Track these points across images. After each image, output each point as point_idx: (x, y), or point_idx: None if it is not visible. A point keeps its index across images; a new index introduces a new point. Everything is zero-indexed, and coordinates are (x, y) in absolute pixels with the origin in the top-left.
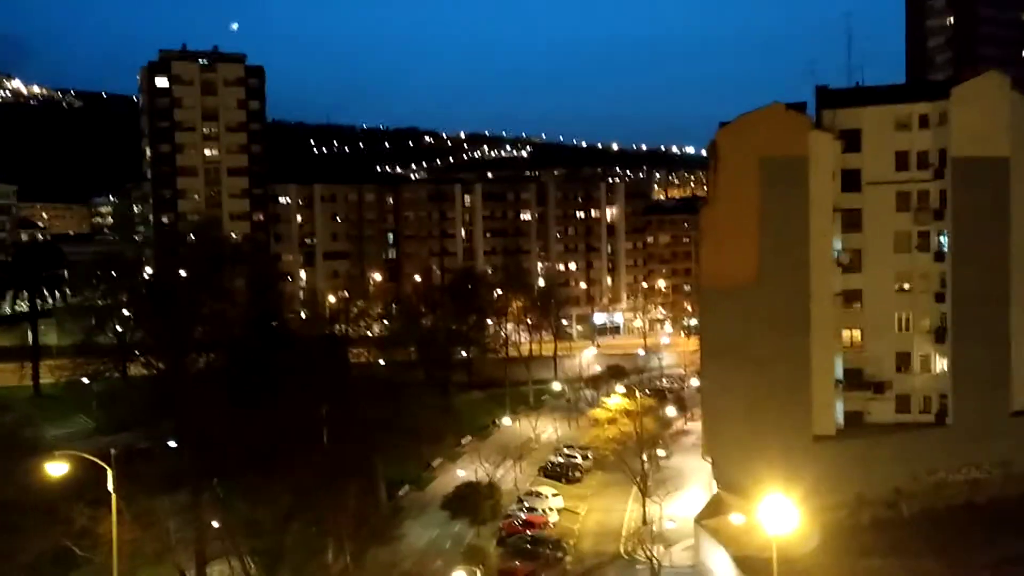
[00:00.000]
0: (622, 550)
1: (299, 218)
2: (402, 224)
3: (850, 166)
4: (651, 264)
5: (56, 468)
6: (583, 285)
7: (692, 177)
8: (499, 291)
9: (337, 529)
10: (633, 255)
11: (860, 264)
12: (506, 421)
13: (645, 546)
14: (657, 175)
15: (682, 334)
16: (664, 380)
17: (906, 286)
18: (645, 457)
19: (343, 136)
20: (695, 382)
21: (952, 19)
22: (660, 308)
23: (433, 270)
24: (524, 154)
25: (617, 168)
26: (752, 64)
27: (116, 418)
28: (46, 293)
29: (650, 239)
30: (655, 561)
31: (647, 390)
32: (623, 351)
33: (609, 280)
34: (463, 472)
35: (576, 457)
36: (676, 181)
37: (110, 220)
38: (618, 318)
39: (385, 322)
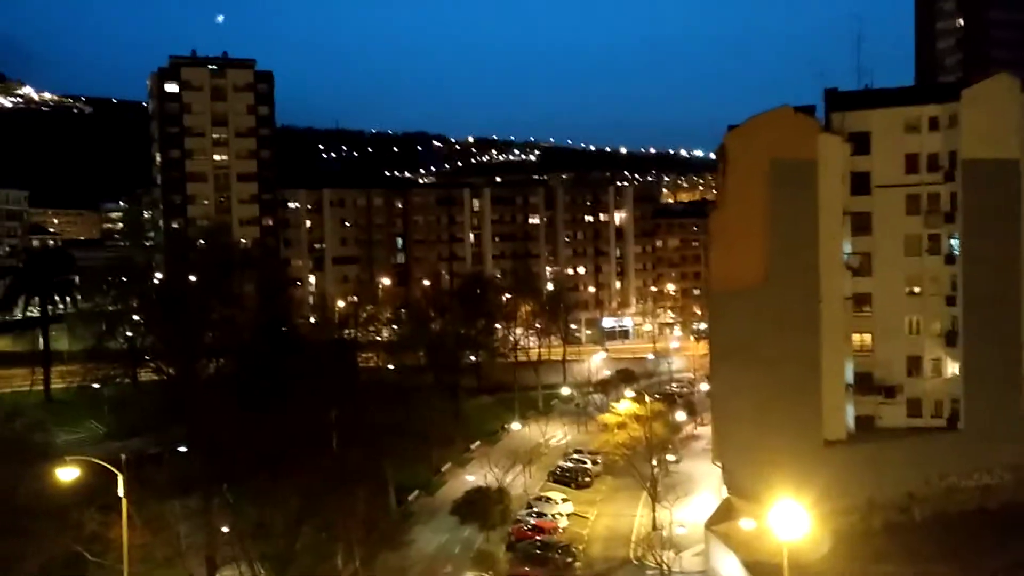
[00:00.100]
0: (632, 555)
1: (308, 223)
2: (411, 229)
3: (859, 169)
4: (660, 268)
5: (67, 473)
6: (592, 289)
7: (701, 180)
8: (508, 295)
9: (347, 534)
10: (642, 259)
11: (870, 267)
12: (515, 426)
13: (655, 551)
14: (666, 178)
15: (692, 338)
16: (674, 384)
17: (916, 289)
18: (655, 462)
19: (352, 141)
20: (705, 386)
21: (962, 21)
22: (669, 312)
23: (442, 274)
24: (532, 158)
25: (626, 172)
26: (761, 66)
27: (126, 423)
28: (57, 299)
29: (659, 243)
30: (665, 566)
31: (657, 394)
32: (632, 355)
33: (618, 284)
34: (472, 477)
35: (586, 462)
36: (685, 184)
37: (120, 226)
38: (627, 322)
39: (394, 326)
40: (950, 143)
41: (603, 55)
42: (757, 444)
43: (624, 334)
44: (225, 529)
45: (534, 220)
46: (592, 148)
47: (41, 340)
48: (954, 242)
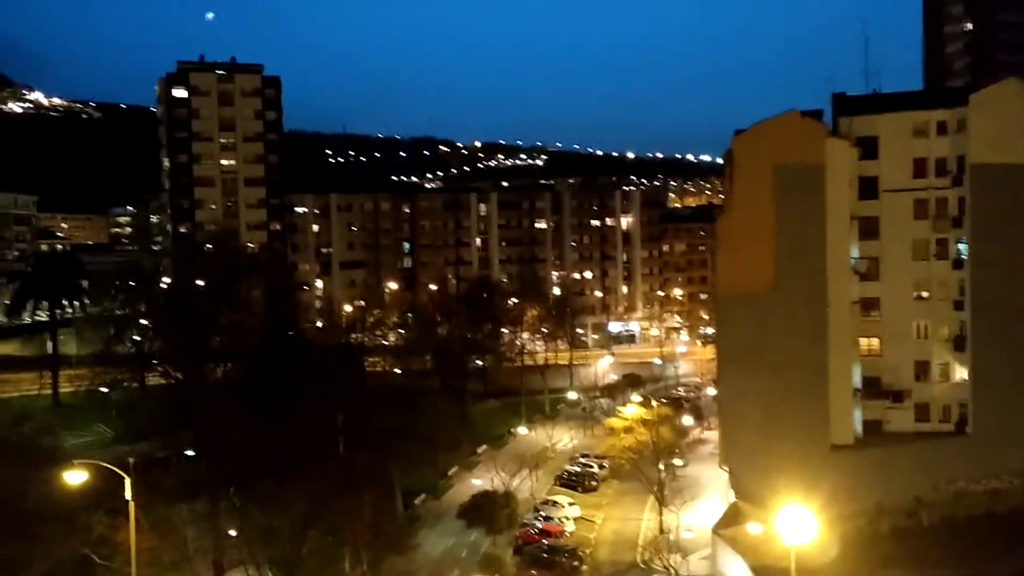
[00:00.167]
0: (639, 559)
1: (315, 228)
2: (418, 233)
3: (867, 173)
4: (667, 272)
5: (75, 477)
6: (598, 294)
7: (708, 185)
8: (514, 300)
9: (354, 538)
10: (649, 263)
11: (878, 272)
12: (522, 430)
13: (662, 555)
14: (672, 183)
15: (698, 343)
16: (680, 389)
17: (924, 294)
18: (662, 466)
19: (359, 145)
20: (712, 391)
21: (970, 25)
22: (676, 316)
23: (449, 279)
24: (539, 162)
25: (632, 176)
26: (767, 68)
27: (134, 427)
28: (66, 303)
29: (666, 247)
30: (672, 570)
31: (663, 399)
32: (639, 360)
33: (625, 288)
34: (479, 481)
35: (592, 466)
36: (692, 189)
37: (128, 230)
38: (634, 327)
39: (401, 331)
40: (958, 147)
41: (609, 57)
42: (764, 448)
43: (631, 338)
44: (232, 533)
45: (541, 225)
46: (599, 152)
47: (50, 344)
48: (962, 247)
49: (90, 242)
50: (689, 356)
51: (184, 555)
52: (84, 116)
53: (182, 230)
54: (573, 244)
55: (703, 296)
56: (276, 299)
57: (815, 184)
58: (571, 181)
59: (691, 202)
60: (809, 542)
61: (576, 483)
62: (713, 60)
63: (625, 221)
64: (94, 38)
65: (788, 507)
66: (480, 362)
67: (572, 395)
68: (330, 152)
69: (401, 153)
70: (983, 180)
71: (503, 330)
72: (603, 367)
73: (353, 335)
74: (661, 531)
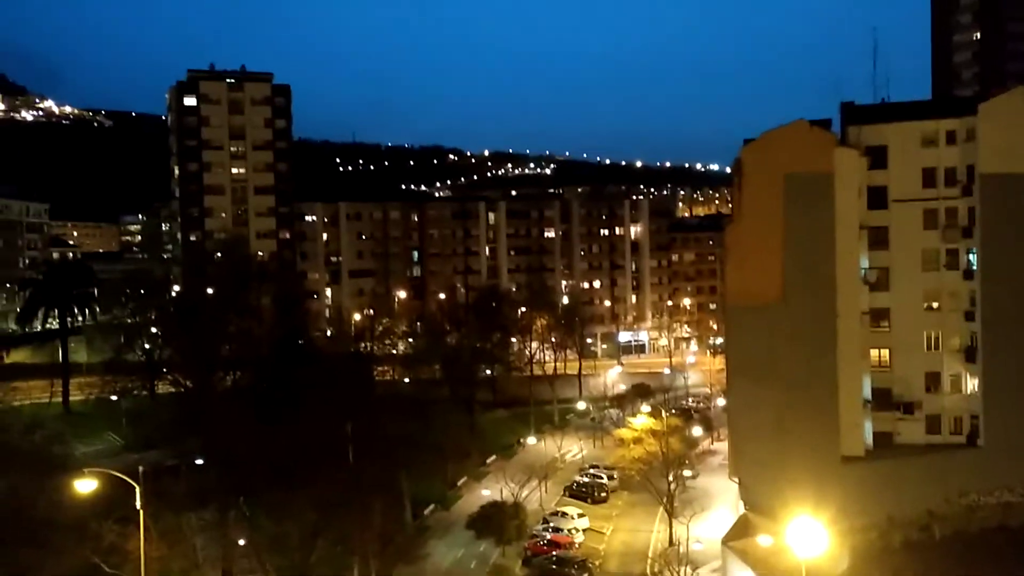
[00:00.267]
0: (648, 571)
1: (325, 236)
2: (427, 242)
3: (876, 183)
4: (676, 282)
5: (85, 485)
6: (607, 303)
7: (716, 194)
8: (523, 309)
9: (362, 547)
10: (658, 273)
11: (887, 282)
12: (531, 440)
13: (671, 567)
14: (681, 192)
15: (708, 353)
16: (690, 399)
17: (935, 304)
18: (671, 477)
19: (368, 154)
20: (721, 401)
21: (979, 34)
22: (685, 326)
23: (457, 288)
24: (548, 172)
25: (641, 185)
26: (777, 79)
27: (144, 435)
28: (76, 311)
29: (675, 257)
30: None
31: (673, 409)
32: (648, 370)
33: (634, 298)
34: (488, 491)
35: (602, 477)
36: (700, 198)
37: (139, 238)
38: (643, 336)
39: (410, 340)
40: (968, 157)
41: (618, 67)
42: (774, 460)
43: (640, 348)
44: (241, 542)
45: (550, 234)
46: (607, 162)
47: (60, 352)
48: (972, 257)
49: (101, 250)
50: (698, 366)
51: (193, 564)
52: (95, 124)
53: (192, 238)
54: (582, 253)
55: (712, 306)
56: (285, 308)
57: (824, 193)
58: (580, 190)
59: (700, 211)
60: (820, 555)
61: (585, 494)
62: (722, 69)
63: (634, 230)
64: (105, 47)
65: (798, 519)
66: (489, 371)
67: (581, 405)
68: (339, 161)
69: (410, 162)
70: (993, 190)
71: (512, 339)
72: (612, 377)
73: (362, 344)
74: (671, 543)
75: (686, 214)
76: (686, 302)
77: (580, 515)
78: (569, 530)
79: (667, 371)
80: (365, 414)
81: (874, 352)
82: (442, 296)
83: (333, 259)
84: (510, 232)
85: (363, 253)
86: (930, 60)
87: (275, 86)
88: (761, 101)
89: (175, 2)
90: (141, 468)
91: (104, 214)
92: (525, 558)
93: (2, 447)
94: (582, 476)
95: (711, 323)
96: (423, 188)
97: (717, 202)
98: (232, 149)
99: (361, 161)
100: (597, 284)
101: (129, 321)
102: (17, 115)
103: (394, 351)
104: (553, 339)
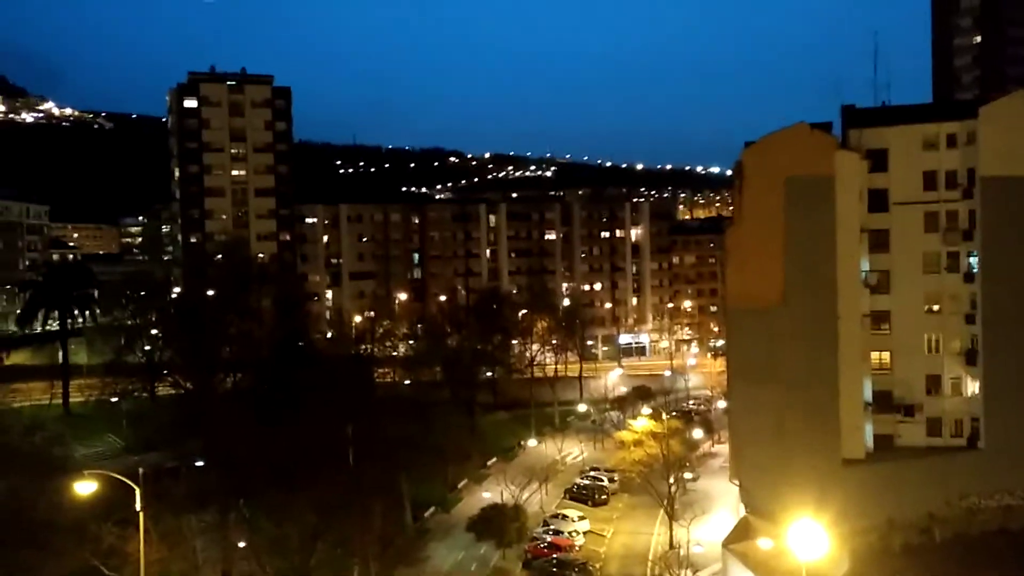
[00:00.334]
0: (649, 574)
1: (325, 238)
2: (427, 244)
3: (877, 186)
4: (677, 284)
5: (85, 487)
6: (608, 305)
7: (717, 197)
8: (524, 311)
9: (363, 550)
10: (658, 275)
11: (888, 285)
12: (532, 442)
13: (672, 570)
14: (682, 195)
15: (708, 355)
16: (691, 402)
17: (935, 307)
18: (672, 480)
19: (369, 156)
20: (722, 404)
21: (979, 38)
22: (686, 329)
23: (458, 290)
24: (549, 174)
25: (642, 188)
26: (777, 80)
27: (144, 437)
28: (76, 313)
29: (675, 259)
30: None
31: (673, 412)
32: (649, 372)
33: (634, 300)
34: (488, 494)
35: (602, 479)
36: (701, 201)
37: (139, 240)
38: (644, 339)
39: (410, 342)
40: (968, 160)
41: (619, 70)
42: (775, 462)
43: (641, 351)
44: (241, 544)
45: (550, 236)
46: (608, 164)
47: (60, 354)
48: (973, 260)
49: (101, 252)
50: (699, 369)
51: (193, 566)
52: (95, 126)
53: (192, 240)
54: (583, 255)
55: (713, 308)
56: (286, 310)
57: (825, 196)
58: (580, 192)
59: (700, 214)
60: (820, 558)
61: (586, 496)
62: (722, 70)
63: (635, 233)
64: (105, 49)
65: (799, 522)
66: (490, 373)
67: (582, 407)
68: (340, 163)
69: (411, 164)
70: (994, 193)
71: (513, 342)
72: (613, 379)
73: (363, 346)
74: (671, 546)
75: (687, 217)
76: (687, 304)
77: (581, 518)
78: (570, 533)
79: (668, 373)
80: (365, 416)
81: (875, 355)
82: (443, 298)
83: (334, 261)
84: (511, 234)
85: (364, 255)
86: (931, 63)
87: (275, 88)
88: (762, 102)
89: (175, 3)
90: (141, 470)
91: (104, 216)
92: (525, 561)
93: (2, 449)
94: (583, 478)
95: (712, 325)
96: (424, 190)
97: (718, 205)
98: (232, 151)
99: (362, 163)
100: (598, 286)
101: (129, 323)
102: (17, 117)
103: (395, 353)
104: (554, 341)
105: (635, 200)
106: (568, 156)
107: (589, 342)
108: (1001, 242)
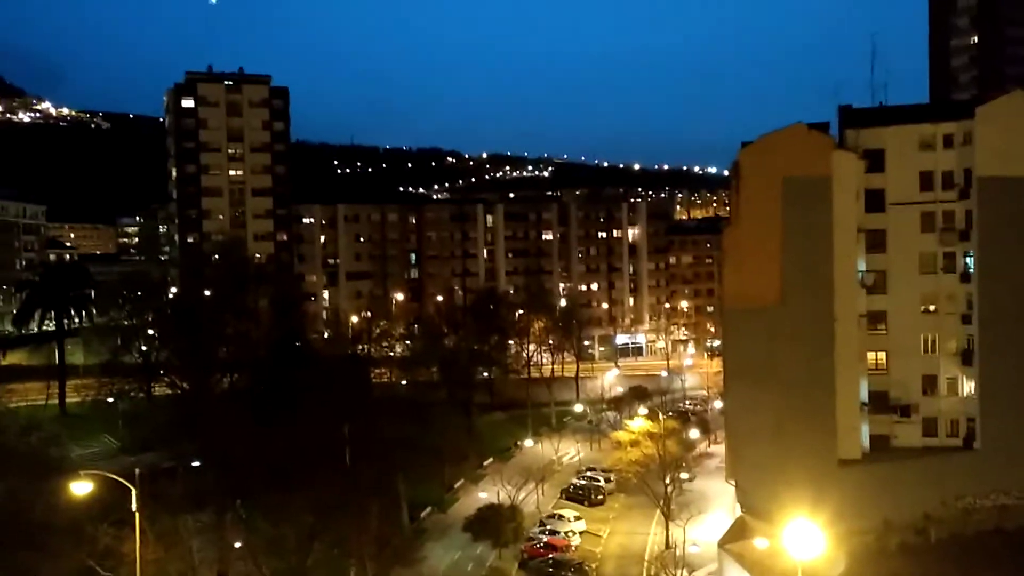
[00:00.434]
0: (645, 574)
1: (322, 238)
2: (424, 244)
3: (874, 186)
4: (674, 285)
5: (81, 487)
6: (605, 305)
7: (714, 197)
8: (521, 311)
9: (359, 550)
10: (655, 276)
11: (885, 285)
12: (528, 443)
13: (668, 570)
14: (679, 195)
15: (705, 355)
16: (687, 402)
17: (932, 307)
18: (668, 480)
19: (366, 156)
20: (718, 404)
21: (976, 38)
22: (683, 329)
23: (455, 290)
24: (546, 174)
25: (639, 188)
26: (776, 81)
27: (140, 437)
28: (73, 313)
29: (672, 259)
30: None
31: (670, 412)
32: (646, 372)
33: (631, 301)
34: (485, 494)
35: (598, 480)
36: (698, 201)
37: (136, 240)
38: (640, 339)
39: (407, 342)
40: (965, 160)
41: (617, 69)
42: (771, 463)
43: (637, 351)
44: (238, 544)
45: (547, 236)
46: (606, 164)
47: (57, 354)
48: (969, 260)
49: (98, 252)
50: (696, 369)
51: (189, 566)
52: (93, 126)
53: (189, 240)
54: (580, 256)
55: (710, 308)
56: (283, 310)
57: (822, 196)
58: (578, 193)
59: (698, 214)
60: (816, 558)
61: (582, 497)
62: (721, 71)
63: (632, 233)
64: (103, 48)
65: (795, 522)
66: (486, 374)
67: (578, 408)
68: (337, 163)
69: (408, 164)
70: (990, 193)
71: (510, 342)
72: (609, 380)
73: (360, 346)
74: (667, 546)
75: (684, 217)
76: (683, 305)
77: (577, 518)
78: (566, 533)
79: (664, 374)
80: (362, 416)
81: (871, 355)
82: (440, 298)
83: (331, 261)
84: (508, 234)
85: (361, 255)
86: (928, 63)
87: (273, 88)
88: (760, 103)
89: (173, 3)
90: (137, 470)
91: (101, 216)
92: (522, 561)
93: None
94: (579, 479)
95: (708, 326)
96: (421, 190)
97: (715, 205)
98: (230, 151)
99: (359, 163)
100: (595, 287)
101: (126, 323)
102: (15, 117)
103: (391, 353)
104: (551, 341)
105: (632, 200)
106: (565, 156)
107: (586, 342)
108: (998, 242)
